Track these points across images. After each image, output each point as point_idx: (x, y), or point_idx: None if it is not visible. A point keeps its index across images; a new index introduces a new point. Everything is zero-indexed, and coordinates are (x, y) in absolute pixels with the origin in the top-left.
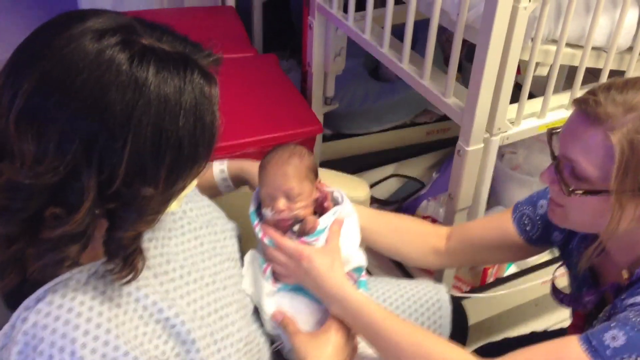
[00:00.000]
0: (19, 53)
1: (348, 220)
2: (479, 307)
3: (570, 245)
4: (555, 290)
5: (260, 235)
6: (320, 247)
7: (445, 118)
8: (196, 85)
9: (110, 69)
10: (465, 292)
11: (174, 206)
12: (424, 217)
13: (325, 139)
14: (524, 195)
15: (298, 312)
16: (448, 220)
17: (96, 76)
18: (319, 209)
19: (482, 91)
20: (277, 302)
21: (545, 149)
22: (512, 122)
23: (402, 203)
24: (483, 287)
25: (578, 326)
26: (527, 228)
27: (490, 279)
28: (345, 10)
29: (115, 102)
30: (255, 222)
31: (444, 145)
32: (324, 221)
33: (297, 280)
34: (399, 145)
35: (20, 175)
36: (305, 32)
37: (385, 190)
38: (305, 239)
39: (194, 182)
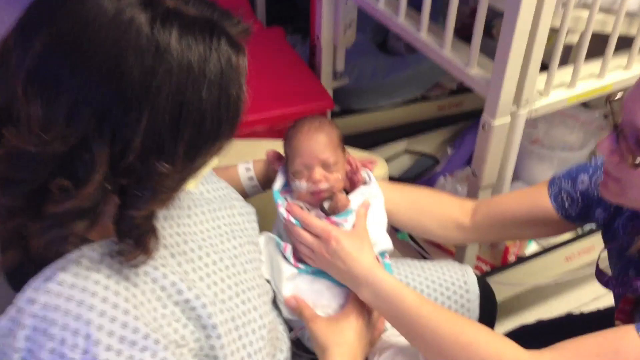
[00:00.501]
0: (32, 10)
1: (375, 201)
2: (501, 287)
3: (615, 224)
4: (599, 273)
5: (284, 214)
6: (348, 230)
7: (457, 92)
8: (223, 54)
9: (130, 30)
10: (487, 272)
11: (191, 185)
12: None
13: (334, 115)
14: (543, 171)
15: (319, 295)
16: (473, 196)
17: (114, 38)
18: (348, 186)
19: (511, 60)
20: (297, 285)
21: (567, 122)
22: (540, 94)
23: (416, 180)
24: (504, 266)
25: (626, 311)
26: (566, 205)
27: (511, 258)
28: None
29: (133, 68)
30: (279, 200)
31: (456, 119)
32: (354, 201)
33: (323, 263)
34: (411, 121)
35: (26, 141)
36: (313, 4)
37: (398, 167)
38: (334, 218)
39: (214, 161)
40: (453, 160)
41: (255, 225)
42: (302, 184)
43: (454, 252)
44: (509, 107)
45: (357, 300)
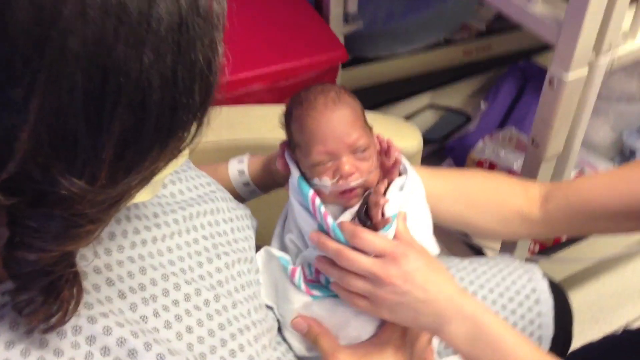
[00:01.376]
0: None
1: (415, 198)
2: (553, 268)
3: None
4: None
5: (331, 227)
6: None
7: (485, 34)
8: None
9: None
10: (537, 253)
11: (142, 196)
12: (480, 163)
13: (344, 66)
14: (597, 127)
15: (344, 324)
16: (529, 173)
17: None
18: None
19: None
20: (312, 314)
21: (629, 70)
22: (625, 36)
23: (444, 141)
24: (557, 245)
25: None
26: None
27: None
28: None
29: (19, 13)
30: (317, 203)
31: (486, 67)
32: (393, 201)
33: (386, 300)
34: (433, 70)
35: None
36: None
37: (421, 125)
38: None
39: (178, 161)
40: (488, 116)
41: (250, 234)
42: (326, 182)
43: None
44: (587, 54)
45: (395, 325)
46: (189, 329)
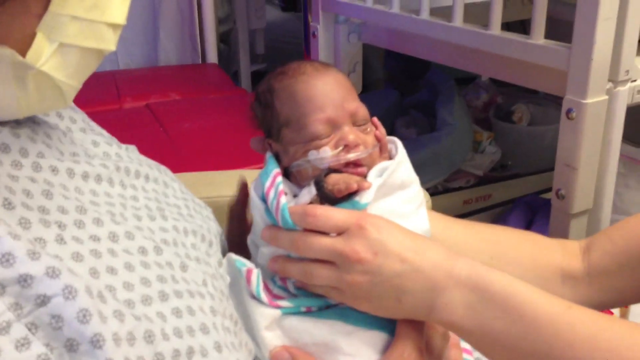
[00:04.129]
0: None
1: (403, 194)
2: None
3: None
4: None
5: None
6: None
7: (485, 181)
8: None
9: None
10: None
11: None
12: None
13: None
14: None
15: (333, 348)
16: (559, 233)
17: None
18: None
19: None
20: (287, 335)
21: None
22: None
23: None
24: None
25: None
26: None
27: None
28: None
29: None
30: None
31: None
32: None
33: (355, 280)
34: None
35: None
36: (308, 46)
37: None
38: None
39: None
40: None
41: (213, 225)
42: (325, 152)
43: None
44: (603, 80)
45: (406, 340)
46: (111, 270)
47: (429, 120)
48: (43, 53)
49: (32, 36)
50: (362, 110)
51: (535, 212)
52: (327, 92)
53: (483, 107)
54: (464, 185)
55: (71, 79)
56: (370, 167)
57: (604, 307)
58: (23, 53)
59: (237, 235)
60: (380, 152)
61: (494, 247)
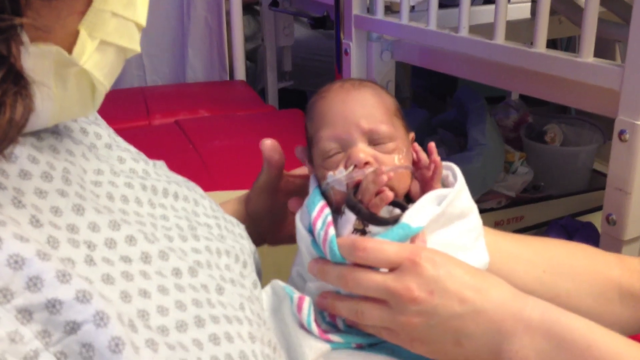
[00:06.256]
0: None
1: (462, 224)
2: None
3: None
4: None
5: (327, 239)
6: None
7: (518, 203)
8: None
9: None
10: None
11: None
12: None
13: None
14: None
15: None
16: None
17: None
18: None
19: None
20: None
21: None
22: None
23: None
24: None
25: None
26: None
27: None
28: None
29: None
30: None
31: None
32: (420, 211)
33: (410, 322)
34: None
35: None
36: (339, 64)
37: None
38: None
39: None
40: None
41: (246, 243)
42: (340, 172)
43: None
44: None
45: None
46: (144, 293)
47: (458, 140)
48: (86, 50)
49: (74, 34)
50: (383, 127)
51: (571, 236)
52: (341, 110)
53: (513, 126)
54: (496, 206)
55: (105, 79)
56: (399, 192)
57: None
58: (67, 51)
59: (265, 210)
60: (433, 179)
61: (546, 260)
